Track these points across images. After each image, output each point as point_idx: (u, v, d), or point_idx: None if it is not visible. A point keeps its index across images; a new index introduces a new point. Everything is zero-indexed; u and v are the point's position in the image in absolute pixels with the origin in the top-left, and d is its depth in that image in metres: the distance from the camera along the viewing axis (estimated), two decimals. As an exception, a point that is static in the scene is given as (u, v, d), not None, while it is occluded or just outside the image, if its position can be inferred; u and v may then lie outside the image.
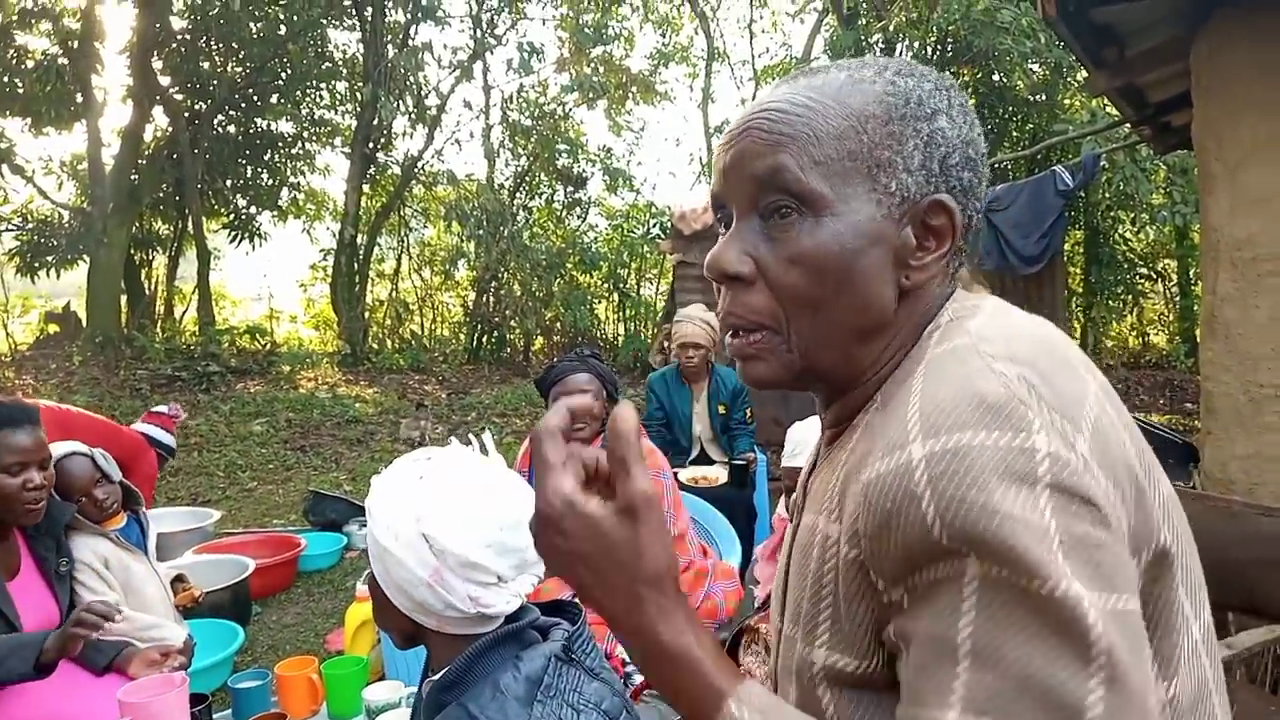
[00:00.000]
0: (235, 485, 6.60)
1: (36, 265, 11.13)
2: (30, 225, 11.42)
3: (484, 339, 12.52)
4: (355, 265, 12.37)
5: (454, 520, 1.17)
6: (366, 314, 12.46)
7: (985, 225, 6.85)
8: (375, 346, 12.00)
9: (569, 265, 12.20)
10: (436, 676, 1.19)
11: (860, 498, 0.63)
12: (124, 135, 11.50)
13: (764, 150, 0.72)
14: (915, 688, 0.60)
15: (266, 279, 12.55)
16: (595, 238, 13.53)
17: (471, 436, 1.42)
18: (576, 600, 1.35)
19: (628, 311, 12.96)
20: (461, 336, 12.98)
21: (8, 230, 11.37)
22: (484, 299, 12.39)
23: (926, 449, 0.60)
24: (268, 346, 11.32)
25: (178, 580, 3.02)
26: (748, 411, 4.52)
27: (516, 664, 1.15)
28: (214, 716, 2.06)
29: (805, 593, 0.73)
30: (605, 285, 12.85)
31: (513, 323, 12.08)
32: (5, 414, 2.17)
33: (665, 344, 6.32)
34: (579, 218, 14.00)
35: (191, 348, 10.27)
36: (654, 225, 12.45)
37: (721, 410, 4.51)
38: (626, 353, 11.22)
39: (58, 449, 2.70)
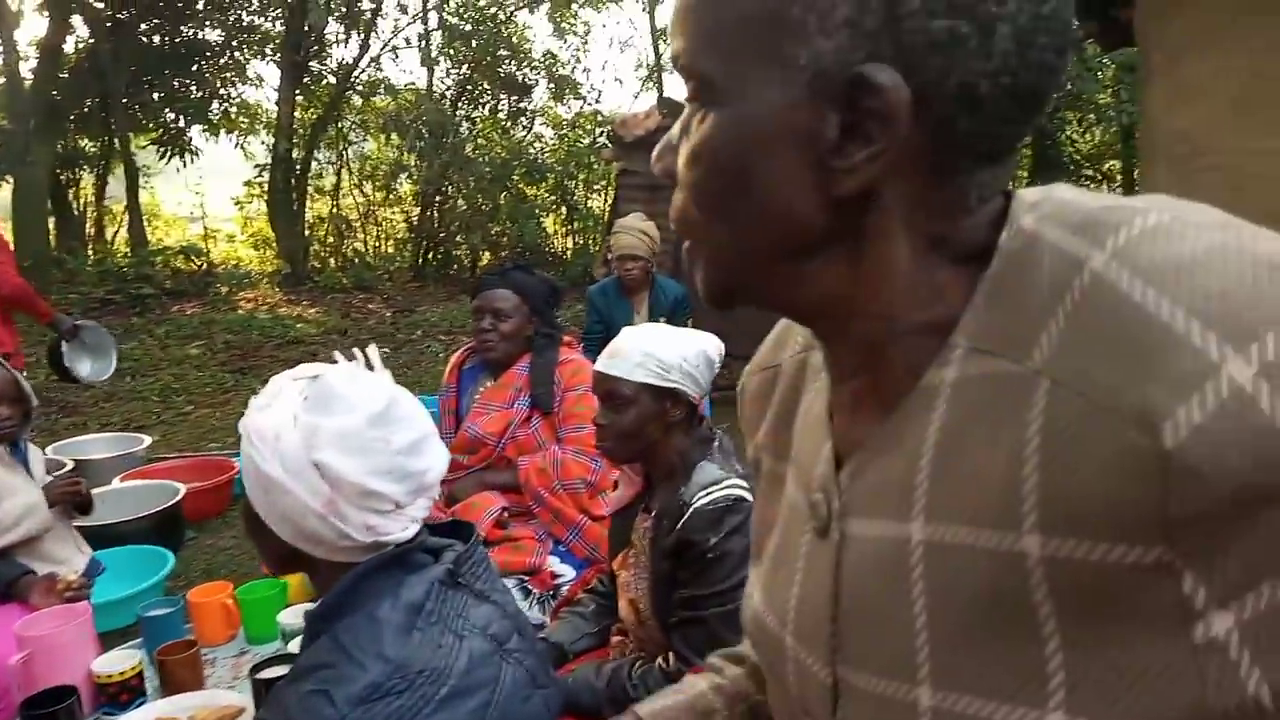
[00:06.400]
0: (170, 410, 6.45)
1: (-46, 186, 10.62)
2: (-55, 143, 10.86)
3: (429, 255, 12.29)
4: (292, 181, 11.99)
5: (348, 446, 1.09)
6: (307, 232, 12.13)
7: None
8: (317, 265, 11.73)
9: (515, 177, 11.93)
10: (314, 605, 1.14)
11: (1154, 475, 0.42)
12: (42, 47, 10.91)
13: (675, 27, 0.57)
14: None
15: (200, 197, 12.12)
16: (541, 148, 13.22)
17: (356, 350, 1.33)
18: (471, 522, 1.30)
19: (576, 224, 12.77)
20: (406, 253, 12.73)
21: (-80, 149, 10.81)
22: (428, 214, 12.12)
23: (1256, 361, 0.41)
24: (204, 267, 10.99)
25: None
26: (688, 323, 4.47)
27: (396, 591, 1.10)
28: (124, 646, 2.02)
29: (960, 637, 0.51)
30: (553, 198, 12.61)
31: (459, 238, 11.85)
32: None
33: (609, 256, 6.21)
34: (524, 128, 13.65)
35: (124, 270, 9.93)
36: (601, 134, 12.18)
37: (663, 322, 4.46)
38: (576, 267, 11.08)
39: None
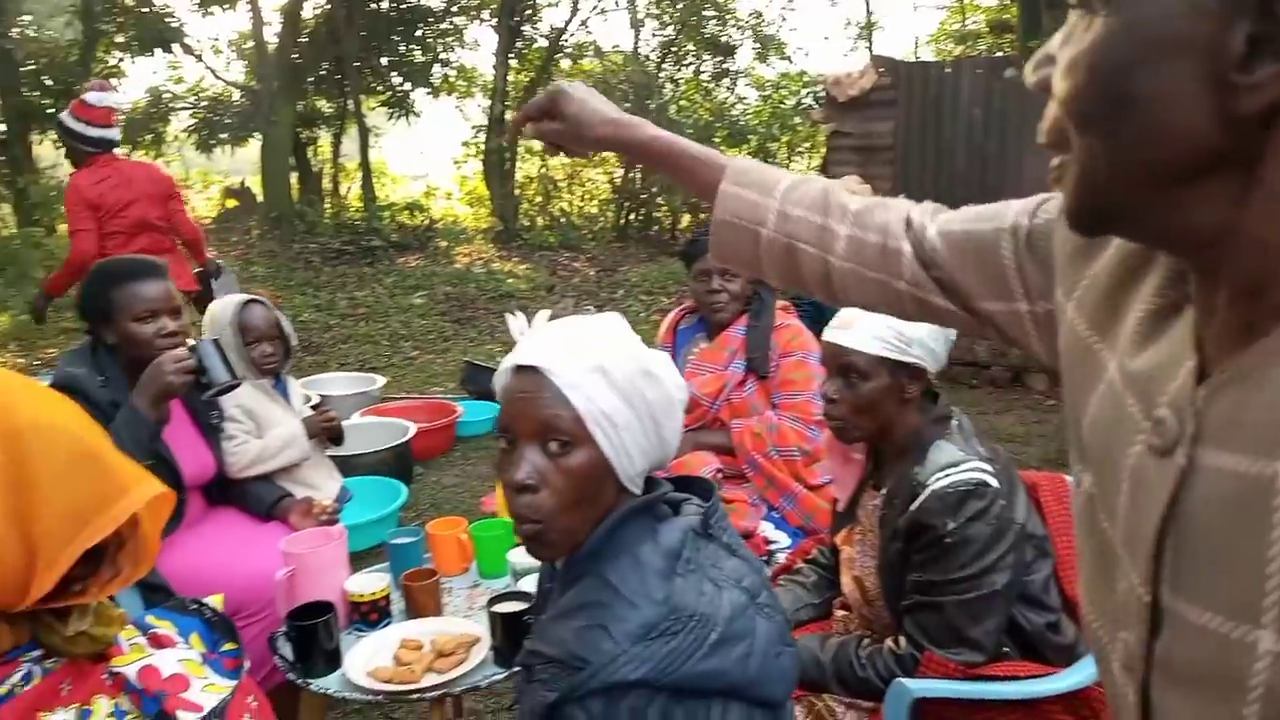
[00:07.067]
0: (399, 354, 6.95)
1: (212, 142, 11.78)
2: (204, 104, 12.04)
3: (631, 216, 12.47)
4: (505, 142, 12.47)
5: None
6: (517, 191, 12.61)
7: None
8: (526, 224, 12.17)
9: (717, 139, 11.86)
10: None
11: None
12: (284, 13, 11.84)
13: None
14: None
15: (423, 155, 12.87)
16: (744, 110, 13.07)
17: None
18: (708, 479, 1.31)
19: (778, 187, 12.57)
20: (609, 214, 12.98)
21: (184, 108, 12.05)
22: (630, 175, 12.28)
23: None
24: (426, 223, 11.68)
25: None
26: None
27: (654, 537, 1.12)
28: (373, 569, 2.19)
29: None
30: (755, 159, 12.44)
31: (660, 199, 11.95)
32: (131, 266, 2.28)
33: (816, 220, 6.08)
34: (728, 89, 13.53)
35: (356, 223, 10.71)
36: (806, 95, 11.88)
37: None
38: (776, 230, 10.93)
39: (240, 297, 2.78)
